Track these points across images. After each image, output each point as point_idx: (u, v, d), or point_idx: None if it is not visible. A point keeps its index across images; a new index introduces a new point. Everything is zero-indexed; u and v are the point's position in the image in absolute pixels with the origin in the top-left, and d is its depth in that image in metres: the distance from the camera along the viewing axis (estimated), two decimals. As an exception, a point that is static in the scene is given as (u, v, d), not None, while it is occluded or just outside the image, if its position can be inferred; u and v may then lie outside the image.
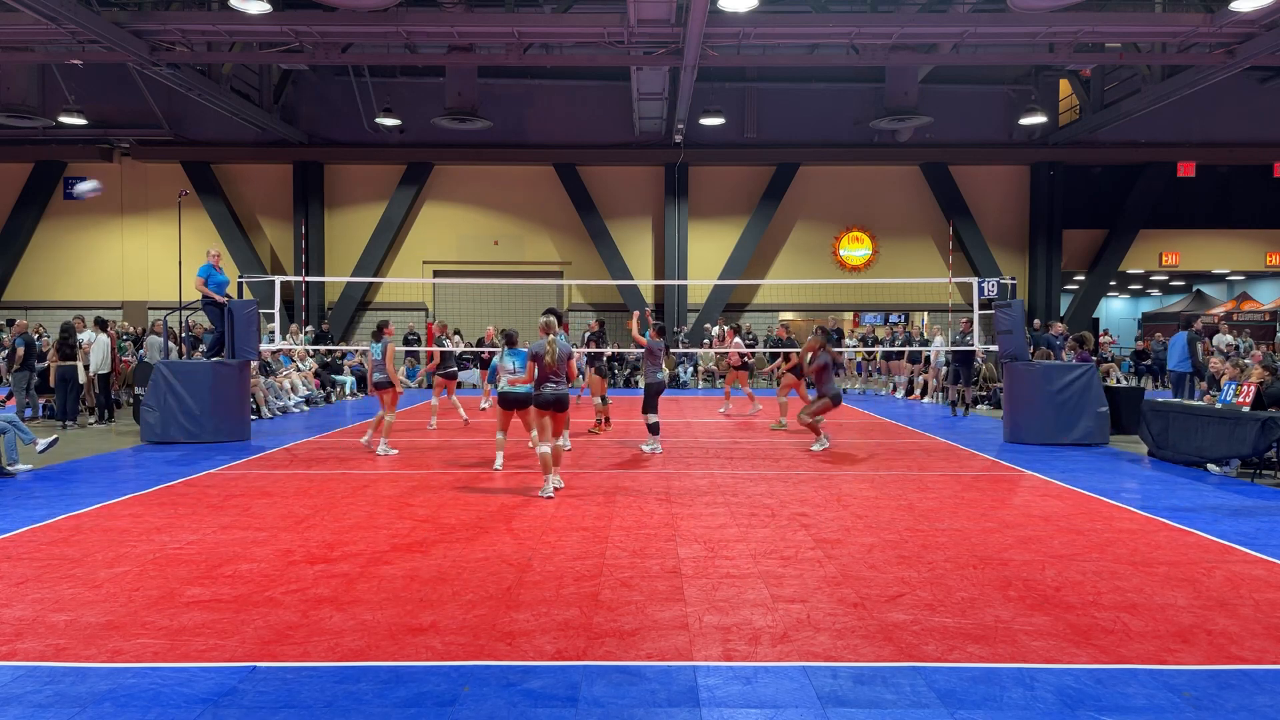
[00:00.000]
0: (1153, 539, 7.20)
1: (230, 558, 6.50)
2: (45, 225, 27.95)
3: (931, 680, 4.36)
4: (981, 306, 14.66)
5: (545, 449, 8.81)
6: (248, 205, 28.01)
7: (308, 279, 23.21)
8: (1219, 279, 33.49)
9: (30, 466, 10.35)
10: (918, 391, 21.63)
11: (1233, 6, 16.69)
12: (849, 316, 28.62)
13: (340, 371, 22.05)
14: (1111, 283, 30.93)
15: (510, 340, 10.29)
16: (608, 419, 14.36)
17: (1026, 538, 7.20)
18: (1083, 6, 18.12)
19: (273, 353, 18.37)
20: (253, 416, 14.78)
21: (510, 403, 10.10)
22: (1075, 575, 6.14)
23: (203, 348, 14.89)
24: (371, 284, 27.81)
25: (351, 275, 27.02)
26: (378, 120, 25.21)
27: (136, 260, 28.00)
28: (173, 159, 27.39)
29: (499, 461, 10.54)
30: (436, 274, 28.20)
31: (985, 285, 13.74)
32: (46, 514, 7.95)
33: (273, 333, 20.25)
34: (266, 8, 16.82)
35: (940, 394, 20.47)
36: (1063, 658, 4.67)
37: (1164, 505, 8.50)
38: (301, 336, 23.04)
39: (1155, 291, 39.81)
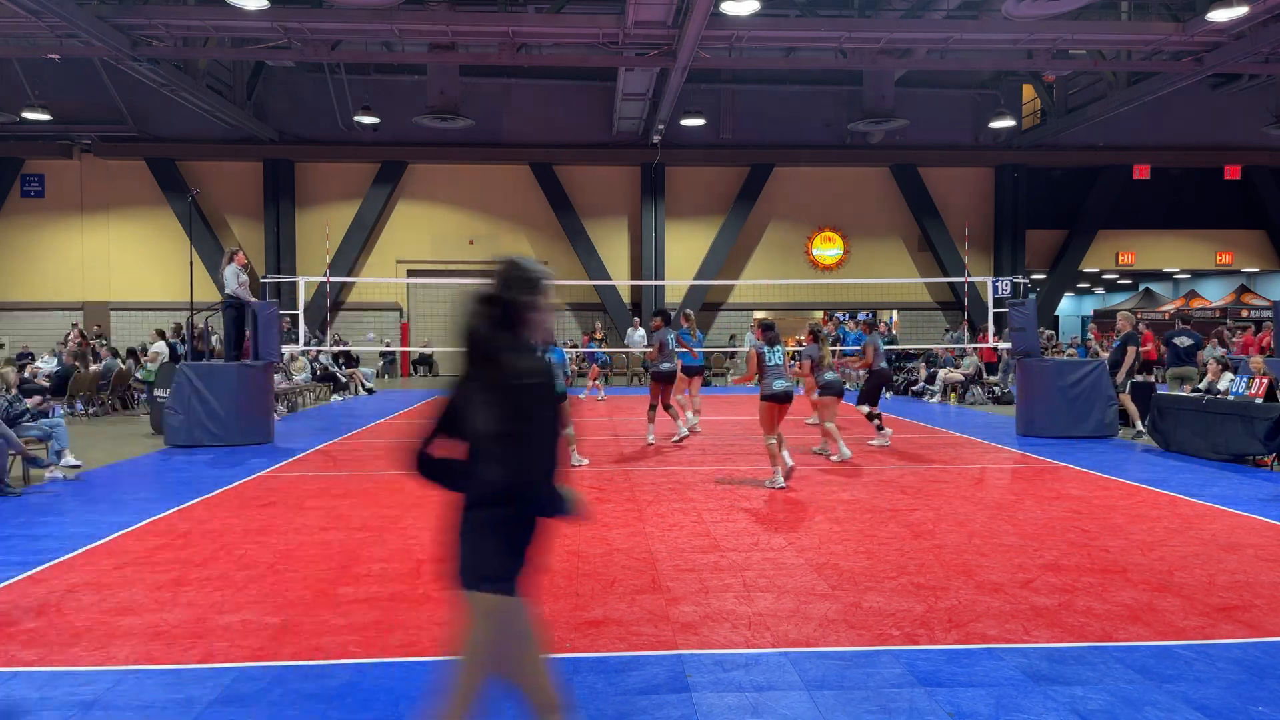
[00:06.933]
0: (1223, 524, 7.59)
1: (354, 558, 6.48)
2: (1, 224, 26.98)
3: (1125, 658, 4.62)
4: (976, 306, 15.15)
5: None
6: (214, 203, 27.39)
7: (282, 279, 22.83)
8: (1166, 278, 34.86)
9: (61, 475, 10.08)
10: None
11: (1208, 16, 17.47)
12: (819, 315, 29.13)
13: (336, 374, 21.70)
14: (1079, 284, 31.90)
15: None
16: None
17: (1109, 526, 7.54)
18: (1063, 15, 18.80)
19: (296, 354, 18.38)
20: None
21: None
22: (1175, 559, 6.47)
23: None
24: (344, 284, 27.50)
25: (324, 275, 26.62)
26: (356, 118, 24.84)
27: (97, 260, 27.21)
28: (137, 156, 26.68)
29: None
30: (410, 274, 27.96)
31: (999, 284, 14.20)
32: (125, 519, 7.79)
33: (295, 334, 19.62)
34: (264, 4, 16.54)
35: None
36: (1218, 634, 4.97)
37: (1211, 493, 8.93)
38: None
39: (1100, 290, 41.15)
